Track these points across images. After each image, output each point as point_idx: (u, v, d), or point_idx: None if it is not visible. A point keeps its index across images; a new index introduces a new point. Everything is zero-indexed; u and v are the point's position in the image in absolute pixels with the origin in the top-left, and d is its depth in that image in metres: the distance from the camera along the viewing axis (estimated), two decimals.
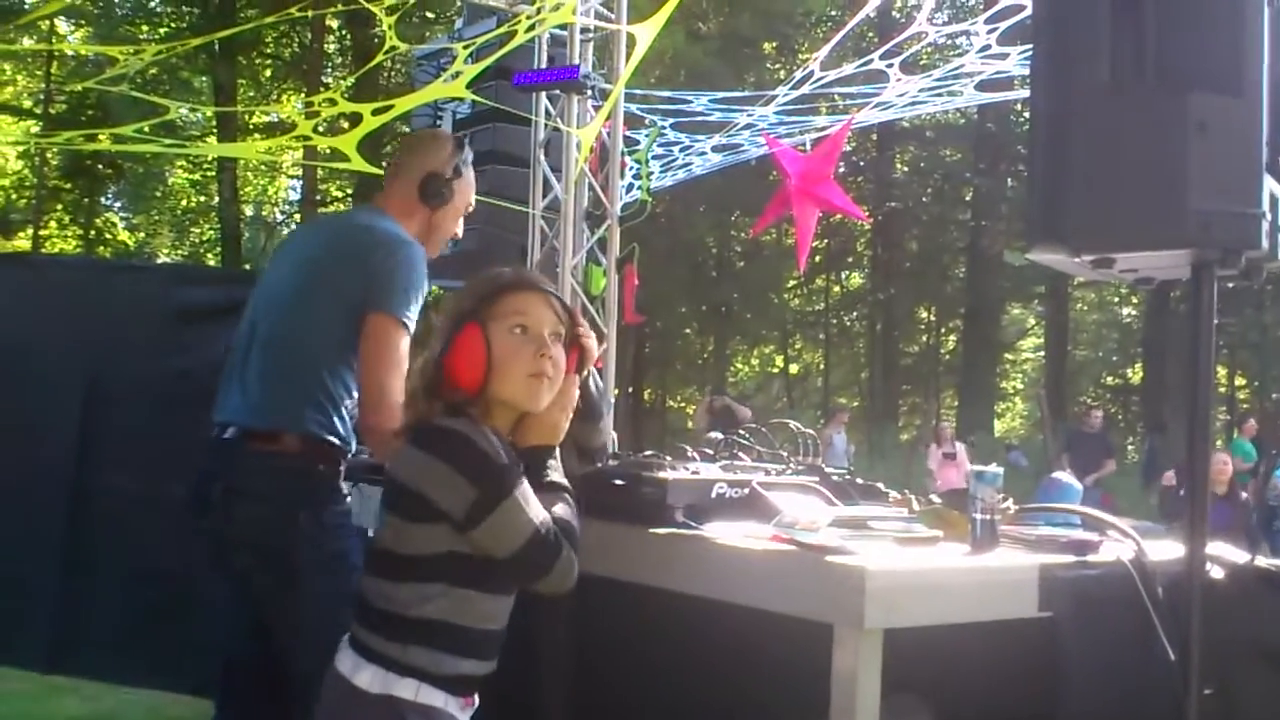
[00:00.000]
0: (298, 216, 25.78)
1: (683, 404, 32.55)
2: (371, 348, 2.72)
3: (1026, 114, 26.06)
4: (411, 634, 2.05)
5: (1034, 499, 4.33)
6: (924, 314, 31.85)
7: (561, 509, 2.12)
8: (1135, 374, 29.78)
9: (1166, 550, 2.46)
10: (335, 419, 2.78)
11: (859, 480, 2.97)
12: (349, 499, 2.87)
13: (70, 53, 21.89)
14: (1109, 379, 31.36)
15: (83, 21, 21.49)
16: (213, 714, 3.04)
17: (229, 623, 2.98)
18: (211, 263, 24.85)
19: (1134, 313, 29.57)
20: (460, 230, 3.17)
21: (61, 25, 22.44)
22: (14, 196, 25.76)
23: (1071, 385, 27.53)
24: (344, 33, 22.55)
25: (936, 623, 2.12)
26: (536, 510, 2.06)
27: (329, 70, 23.56)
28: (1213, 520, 2.37)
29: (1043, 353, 29.84)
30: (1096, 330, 31.98)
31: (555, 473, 2.19)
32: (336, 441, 2.79)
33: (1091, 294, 29.72)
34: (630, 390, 23.79)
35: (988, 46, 8.40)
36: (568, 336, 2.22)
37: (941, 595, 2.13)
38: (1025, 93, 12.82)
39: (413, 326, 2.77)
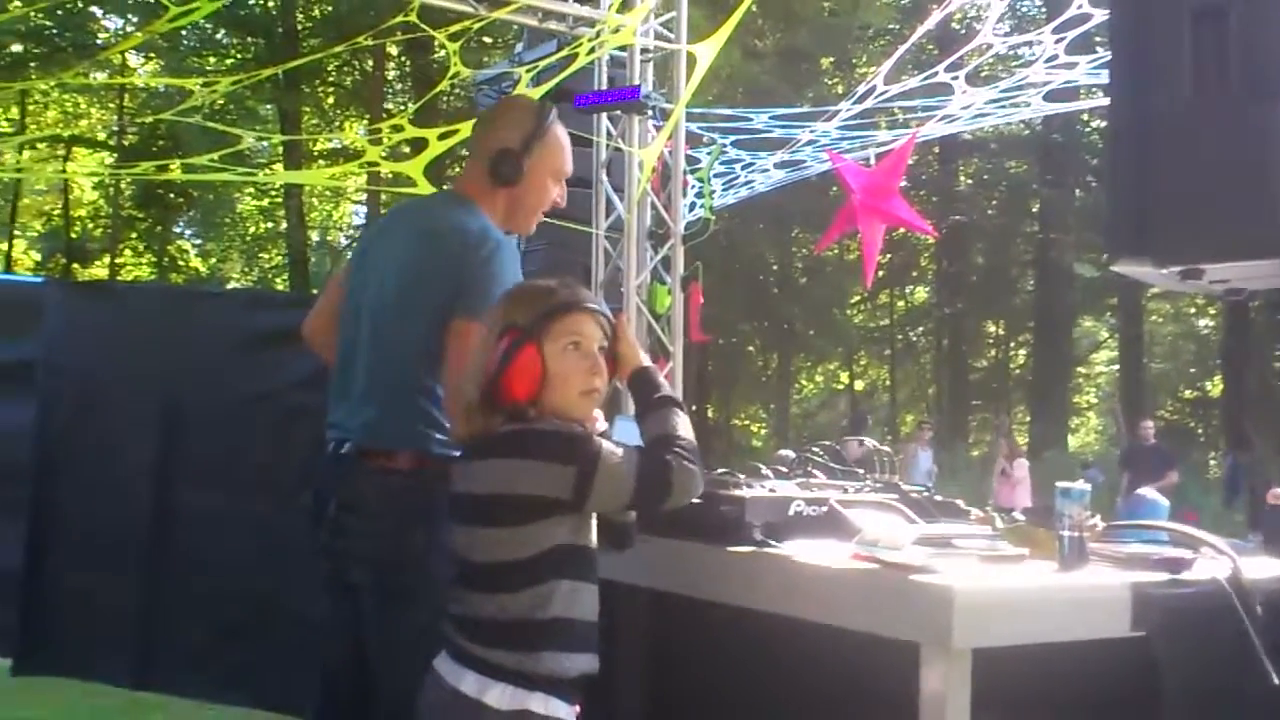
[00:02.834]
0: None
1: (747, 422, 32.49)
2: (453, 354, 2.65)
3: (1094, 124, 25.91)
4: (540, 638, 2.14)
5: (1115, 516, 4.26)
6: (992, 328, 31.53)
7: (669, 423, 2.28)
8: (1214, 387, 29.24)
9: (1262, 567, 2.40)
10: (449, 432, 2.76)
11: (938, 497, 2.93)
12: None
13: (141, 85, 22.33)
14: (1186, 392, 30.80)
15: (152, 55, 21.91)
16: None
17: (329, 639, 2.95)
18: (280, 287, 25.17)
19: (1211, 324, 29.03)
20: (563, 198, 3.08)
21: (132, 59, 22.90)
22: (90, 226, 26.34)
23: (1147, 399, 27.07)
24: (404, 59, 22.80)
25: (1026, 642, 2.08)
26: (628, 450, 2.22)
27: (390, 96, 23.85)
28: None
29: (1117, 366, 29.37)
30: (1172, 342, 31.45)
31: (661, 388, 2.38)
32: (453, 454, 2.77)
33: (1167, 305, 29.24)
34: (694, 408, 23.75)
35: (1055, 56, 8.31)
36: (610, 348, 2.38)
37: (1031, 614, 2.09)
38: (1095, 102, 12.75)
39: None
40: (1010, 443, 15.91)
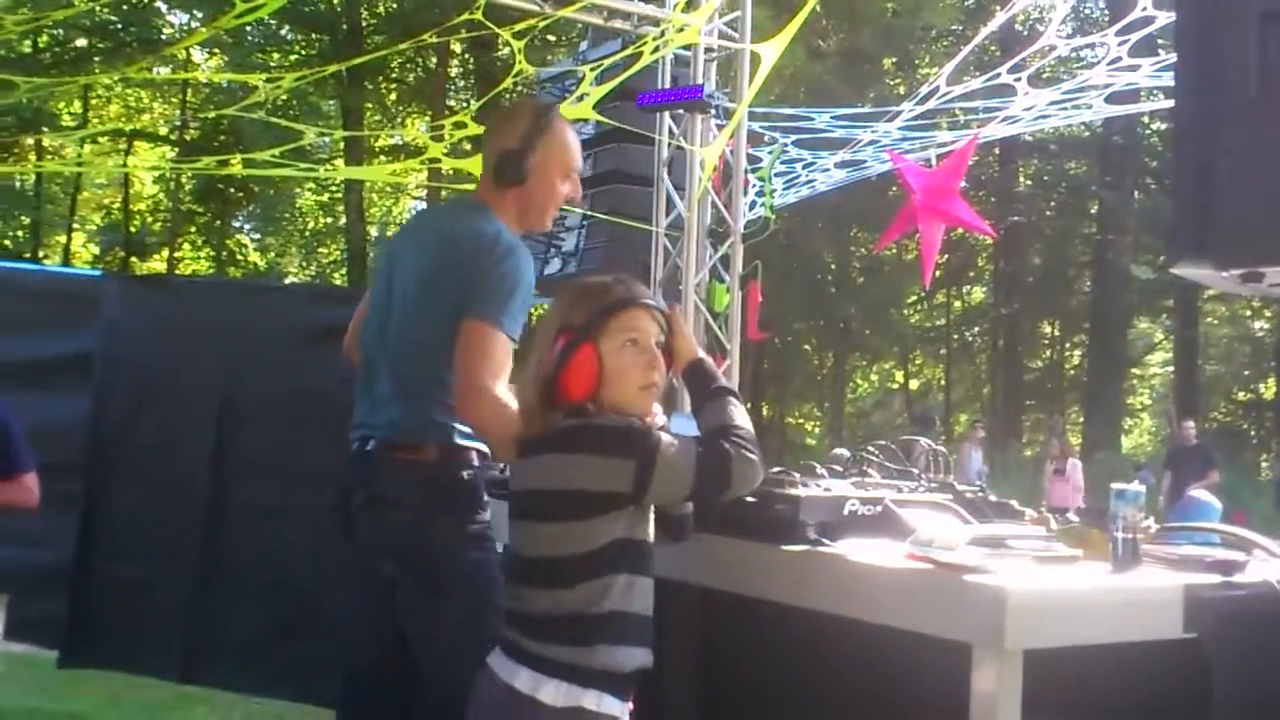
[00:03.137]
0: None
1: (801, 420, 32.39)
2: (461, 353, 2.69)
3: (1154, 126, 25.60)
4: (595, 632, 2.15)
5: (1168, 518, 4.22)
6: (1047, 329, 31.25)
7: (726, 414, 2.29)
8: (1267, 389, 28.83)
9: None
10: None
11: (992, 498, 2.93)
12: (490, 507, 2.87)
13: (204, 80, 22.62)
14: (1240, 394, 30.38)
15: (216, 51, 22.18)
16: None
17: (356, 634, 3.01)
18: (338, 282, 25.38)
19: (1266, 326, 28.63)
20: (577, 193, 3.10)
21: (196, 55, 23.19)
22: (149, 220, 26.68)
23: (1202, 400, 26.71)
24: (467, 57, 22.92)
25: (1078, 643, 2.08)
26: (686, 441, 2.23)
27: (452, 93, 23.99)
28: None
29: (1171, 368, 29.02)
30: (1228, 344, 30.99)
31: (717, 379, 2.39)
32: (476, 446, 2.80)
33: (1222, 307, 28.84)
34: (749, 406, 23.68)
35: (1118, 59, 8.24)
36: (665, 342, 2.38)
37: (1084, 615, 2.09)
38: (1156, 104, 12.61)
39: (515, 329, 2.74)
40: (1064, 443, 15.78)
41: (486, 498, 2.83)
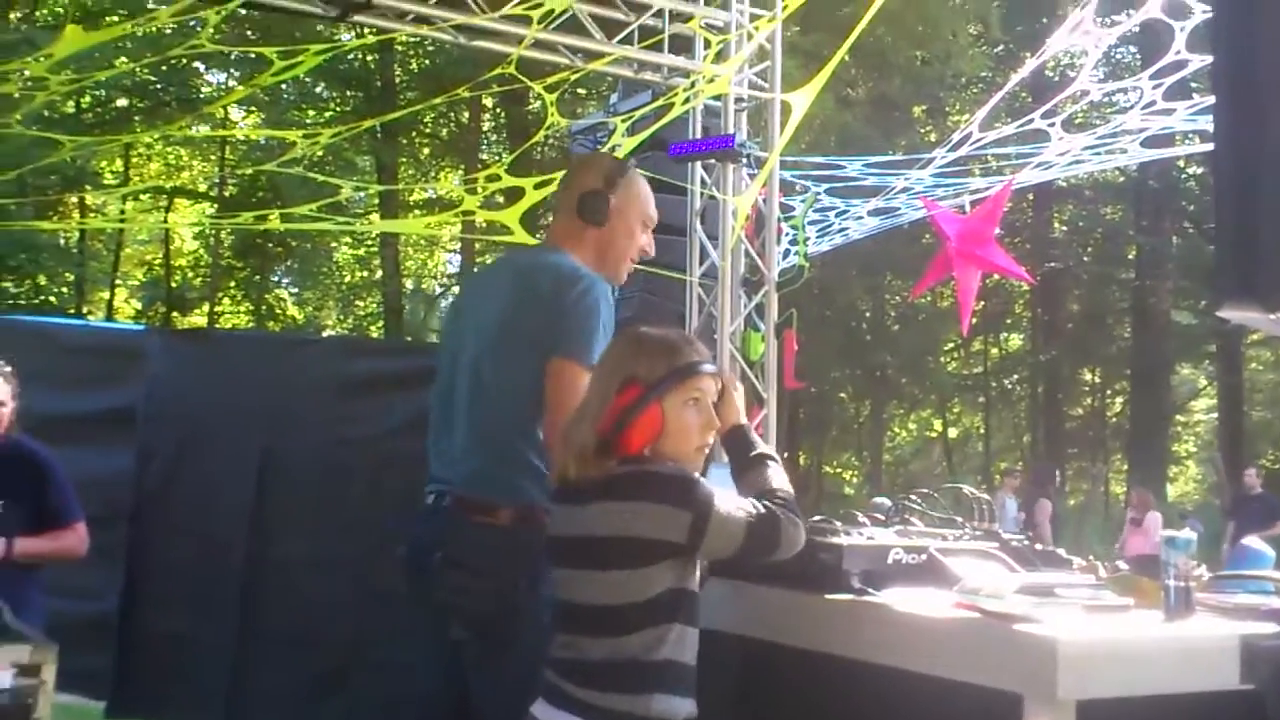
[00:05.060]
0: (456, 289, 26.40)
1: (839, 469, 32.20)
2: (551, 394, 2.67)
3: (1190, 170, 25.47)
4: (651, 680, 2.17)
5: (1221, 567, 4.16)
6: (1088, 376, 30.99)
7: (769, 477, 2.35)
8: None
9: None
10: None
11: (1038, 546, 2.89)
12: None
13: (242, 138, 22.92)
14: None
15: (254, 109, 22.47)
16: None
17: (428, 690, 2.98)
18: (375, 335, 25.54)
19: None
20: (651, 247, 3.11)
21: (234, 113, 23.51)
22: (190, 275, 26.96)
23: (1249, 447, 26.37)
24: (499, 111, 23.13)
25: (1132, 694, 2.04)
26: (737, 499, 2.27)
27: (485, 147, 24.20)
28: None
29: (1216, 414, 28.67)
30: (1274, 389, 30.62)
31: (758, 445, 2.45)
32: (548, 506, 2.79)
33: (1267, 352, 28.51)
34: (785, 455, 23.58)
35: (1152, 103, 8.22)
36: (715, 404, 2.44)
37: (1137, 665, 2.06)
38: (1192, 148, 12.56)
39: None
40: (1143, 495, 15.54)
41: None
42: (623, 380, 2.30)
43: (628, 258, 3.08)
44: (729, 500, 2.24)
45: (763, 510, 2.25)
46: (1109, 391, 31.24)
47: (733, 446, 2.46)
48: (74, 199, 20.97)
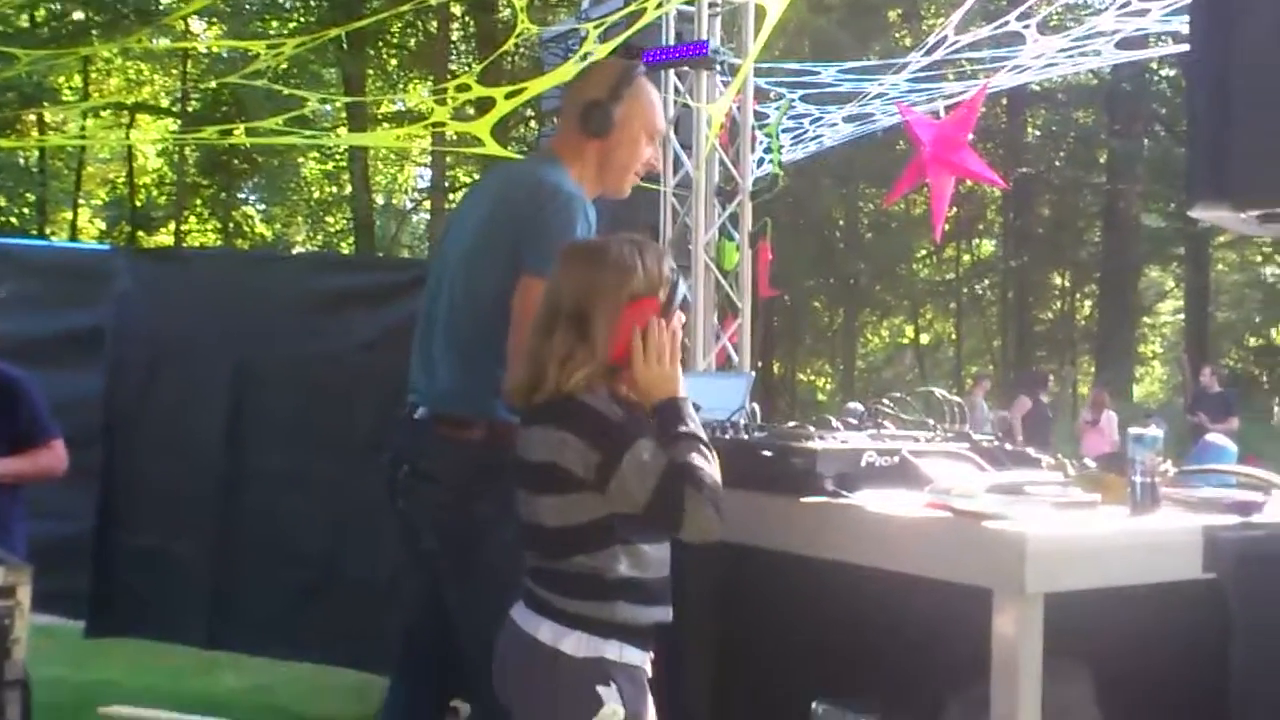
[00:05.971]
0: (427, 203, 26.21)
1: (812, 377, 32.41)
2: (518, 310, 2.61)
3: (1163, 72, 25.38)
4: (613, 591, 2.18)
5: (1182, 463, 4.22)
6: (1058, 280, 31.16)
7: (689, 458, 2.16)
8: (1279, 335, 28.77)
9: None
10: None
11: (1008, 446, 2.93)
12: None
13: (204, 50, 22.49)
14: (1251, 340, 30.31)
15: (215, 20, 22.06)
16: (389, 683, 3.11)
17: (411, 597, 3.02)
18: (345, 251, 25.35)
19: (1277, 272, 28.50)
20: (658, 160, 3.03)
21: (195, 25, 23.05)
22: (155, 193, 26.62)
23: (1213, 347, 26.65)
24: (468, 20, 22.80)
25: (1098, 586, 2.09)
26: (656, 465, 2.13)
27: (454, 57, 23.86)
28: None
29: (1182, 315, 28.95)
30: (1238, 290, 30.87)
31: (686, 424, 2.23)
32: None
33: (1233, 254, 28.69)
34: (759, 364, 23.69)
35: (1127, 3, 8.16)
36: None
37: (1103, 558, 2.10)
38: (1165, 49, 12.50)
39: None
40: (1099, 395, 15.81)
41: None
42: (630, 296, 2.24)
43: (631, 170, 2.98)
44: (647, 461, 2.13)
45: (673, 488, 2.12)
46: (1078, 295, 31.46)
47: (662, 417, 2.24)
48: (32, 116, 20.60)
